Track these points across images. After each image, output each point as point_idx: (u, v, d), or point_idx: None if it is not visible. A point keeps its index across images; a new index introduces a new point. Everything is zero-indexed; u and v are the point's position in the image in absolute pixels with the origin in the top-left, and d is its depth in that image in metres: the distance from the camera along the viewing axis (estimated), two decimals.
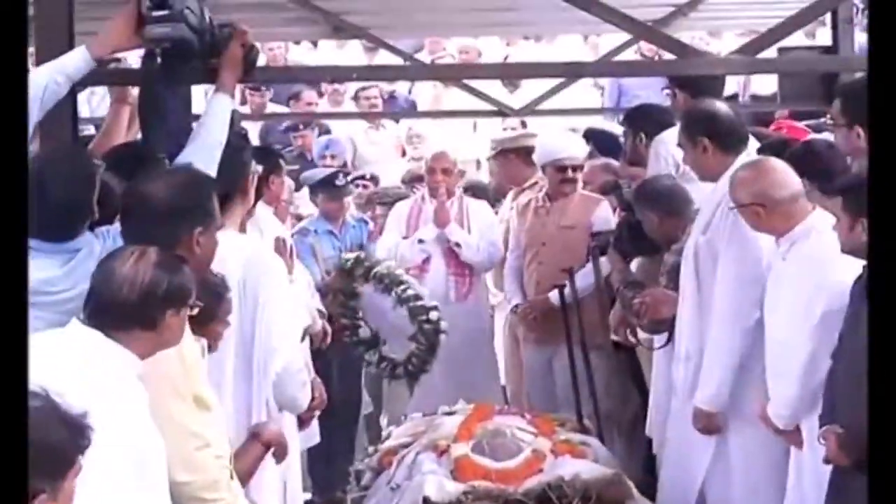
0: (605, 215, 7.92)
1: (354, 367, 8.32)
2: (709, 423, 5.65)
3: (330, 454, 8.33)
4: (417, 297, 7.74)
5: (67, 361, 3.37)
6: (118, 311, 3.51)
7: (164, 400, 3.73)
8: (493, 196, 9.60)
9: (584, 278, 7.60)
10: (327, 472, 8.42)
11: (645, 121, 7.22)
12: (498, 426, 6.13)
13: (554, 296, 7.83)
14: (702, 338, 5.67)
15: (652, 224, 6.38)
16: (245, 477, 4.40)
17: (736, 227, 5.55)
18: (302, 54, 13.41)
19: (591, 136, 9.08)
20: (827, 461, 4.73)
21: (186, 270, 3.66)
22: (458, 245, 8.46)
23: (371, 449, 6.67)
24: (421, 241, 8.52)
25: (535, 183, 8.59)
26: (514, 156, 8.81)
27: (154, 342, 3.59)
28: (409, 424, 6.73)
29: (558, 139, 8.47)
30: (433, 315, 7.75)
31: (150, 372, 3.64)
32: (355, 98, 12.33)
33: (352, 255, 7.89)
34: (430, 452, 5.98)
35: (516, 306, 8.30)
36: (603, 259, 7.08)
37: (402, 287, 7.75)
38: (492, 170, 9.69)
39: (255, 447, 4.55)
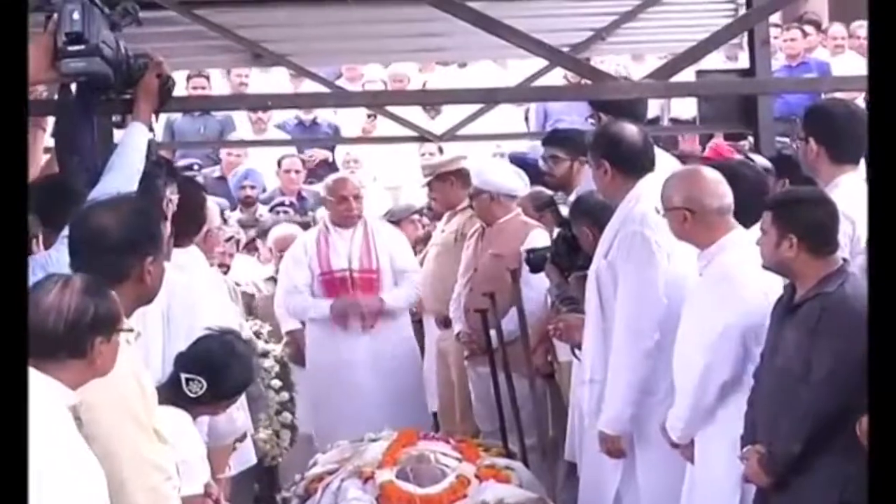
0: (538, 242, 7.64)
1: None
2: (612, 447, 5.65)
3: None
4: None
5: None
6: (46, 342, 3.46)
7: (127, 431, 3.70)
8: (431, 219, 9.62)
9: (510, 321, 7.54)
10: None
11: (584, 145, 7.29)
12: (422, 452, 6.15)
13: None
14: (605, 360, 5.68)
15: (587, 238, 6.33)
16: None
17: (634, 249, 5.59)
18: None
19: (513, 161, 9.09)
20: (747, 480, 4.78)
21: (113, 296, 3.62)
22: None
23: (298, 476, 6.63)
24: None
25: (467, 206, 8.55)
26: (453, 178, 8.78)
27: (86, 370, 3.54)
28: (334, 451, 6.73)
29: (499, 171, 8.28)
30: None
31: (108, 402, 3.63)
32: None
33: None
34: (356, 479, 5.99)
35: (458, 334, 8.22)
36: (541, 275, 7.06)
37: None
38: (430, 195, 9.64)
39: None
